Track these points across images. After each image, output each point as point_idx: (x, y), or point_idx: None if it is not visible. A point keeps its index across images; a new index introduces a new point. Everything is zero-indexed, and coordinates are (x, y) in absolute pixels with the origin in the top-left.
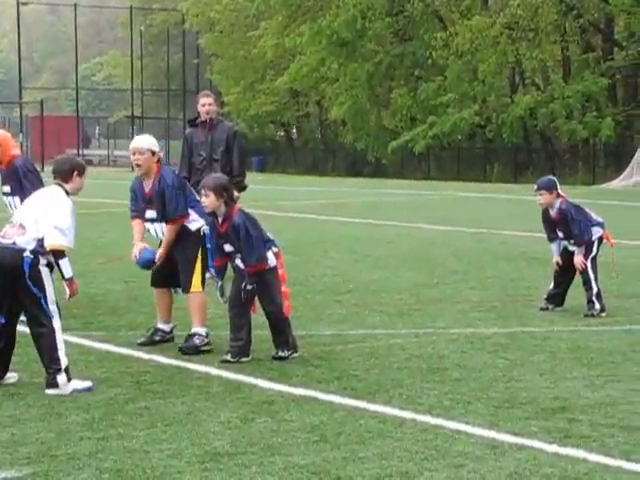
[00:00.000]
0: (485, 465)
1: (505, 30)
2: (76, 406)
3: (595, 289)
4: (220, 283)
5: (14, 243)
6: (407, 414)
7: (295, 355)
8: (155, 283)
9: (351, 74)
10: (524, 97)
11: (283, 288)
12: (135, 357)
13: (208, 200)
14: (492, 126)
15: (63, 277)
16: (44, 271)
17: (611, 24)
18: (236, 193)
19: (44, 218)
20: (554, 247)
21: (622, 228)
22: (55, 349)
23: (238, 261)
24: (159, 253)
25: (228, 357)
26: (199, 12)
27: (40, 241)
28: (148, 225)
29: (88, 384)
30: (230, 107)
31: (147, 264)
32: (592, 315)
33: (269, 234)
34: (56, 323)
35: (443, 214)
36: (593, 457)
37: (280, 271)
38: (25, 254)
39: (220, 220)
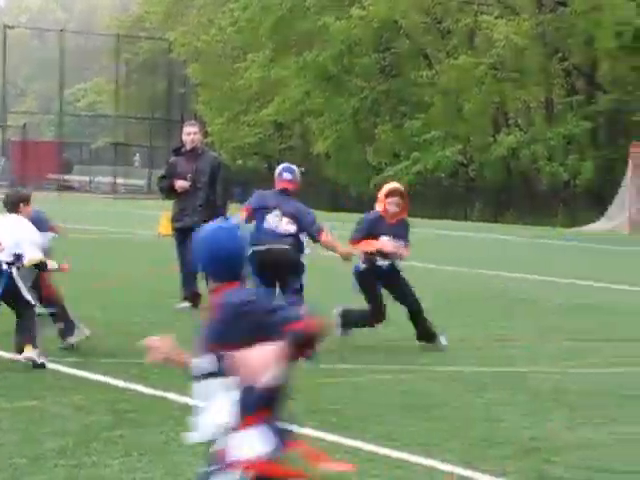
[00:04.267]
0: None
1: (490, 70)
2: (52, 432)
3: None
4: None
5: None
6: (384, 450)
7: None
8: None
9: (336, 109)
10: (507, 137)
11: None
12: (112, 385)
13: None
14: (474, 165)
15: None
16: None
17: (595, 68)
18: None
19: (19, 237)
20: None
21: (597, 272)
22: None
23: None
24: None
25: None
26: (186, 42)
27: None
28: None
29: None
30: (214, 137)
31: None
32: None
33: None
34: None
35: (424, 252)
36: None
37: None
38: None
39: None
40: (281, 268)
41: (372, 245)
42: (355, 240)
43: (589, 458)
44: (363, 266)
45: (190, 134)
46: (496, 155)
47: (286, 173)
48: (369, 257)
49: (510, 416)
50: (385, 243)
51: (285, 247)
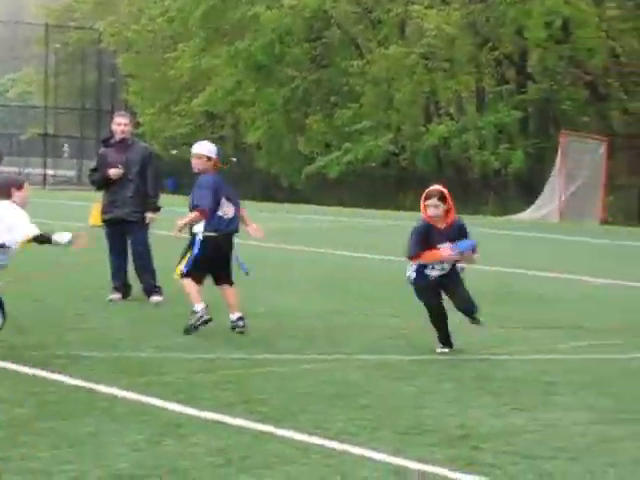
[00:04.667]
0: None
1: (421, 60)
2: None
3: None
4: None
5: None
6: (314, 439)
7: None
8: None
9: (267, 98)
10: (438, 127)
11: None
12: (40, 377)
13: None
14: (406, 154)
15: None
16: None
17: (525, 58)
18: (151, 214)
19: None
20: None
21: (527, 260)
22: None
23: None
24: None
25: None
26: (116, 32)
27: None
28: None
29: None
30: (145, 128)
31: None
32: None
33: None
34: None
35: (357, 241)
36: None
37: None
38: None
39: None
40: (228, 254)
41: (437, 255)
42: (415, 255)
43: (515, 444)
44: (413, 275)
45: (120, 124)
46: (428, 144)
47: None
48: (419, 267)
49: (437, 404)
50: (447, 252)
51: (233, 231)
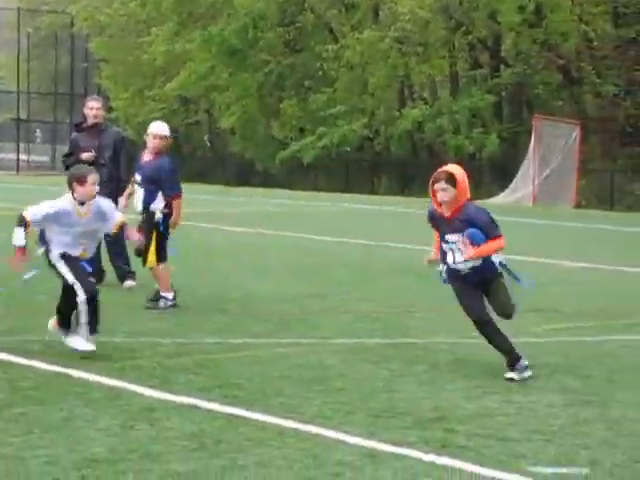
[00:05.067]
0: (363, 474)
1: (395, 44)
2: None
3: None
4: None
5: None
6: (288, 423)
7: None
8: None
9: (241, 83)
10: (412, 111)
11: None
12: (14, 363)
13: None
14: (380, 139)
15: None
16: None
17: (499, 42)
18: (124, 200)
19: None
20: None
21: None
22: None
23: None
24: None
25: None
26: (88, 16)
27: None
28: None
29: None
30: (118, 112)
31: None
32: None
33: None
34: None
35: (331, 225)
36: (469, 467)
37: None
38: None
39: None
40: None
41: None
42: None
43: (489, 427)
44: (443, 267)
45: (93, 109)
46: (402, 129)
47: None
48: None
49: (411, 387)
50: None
51: None
